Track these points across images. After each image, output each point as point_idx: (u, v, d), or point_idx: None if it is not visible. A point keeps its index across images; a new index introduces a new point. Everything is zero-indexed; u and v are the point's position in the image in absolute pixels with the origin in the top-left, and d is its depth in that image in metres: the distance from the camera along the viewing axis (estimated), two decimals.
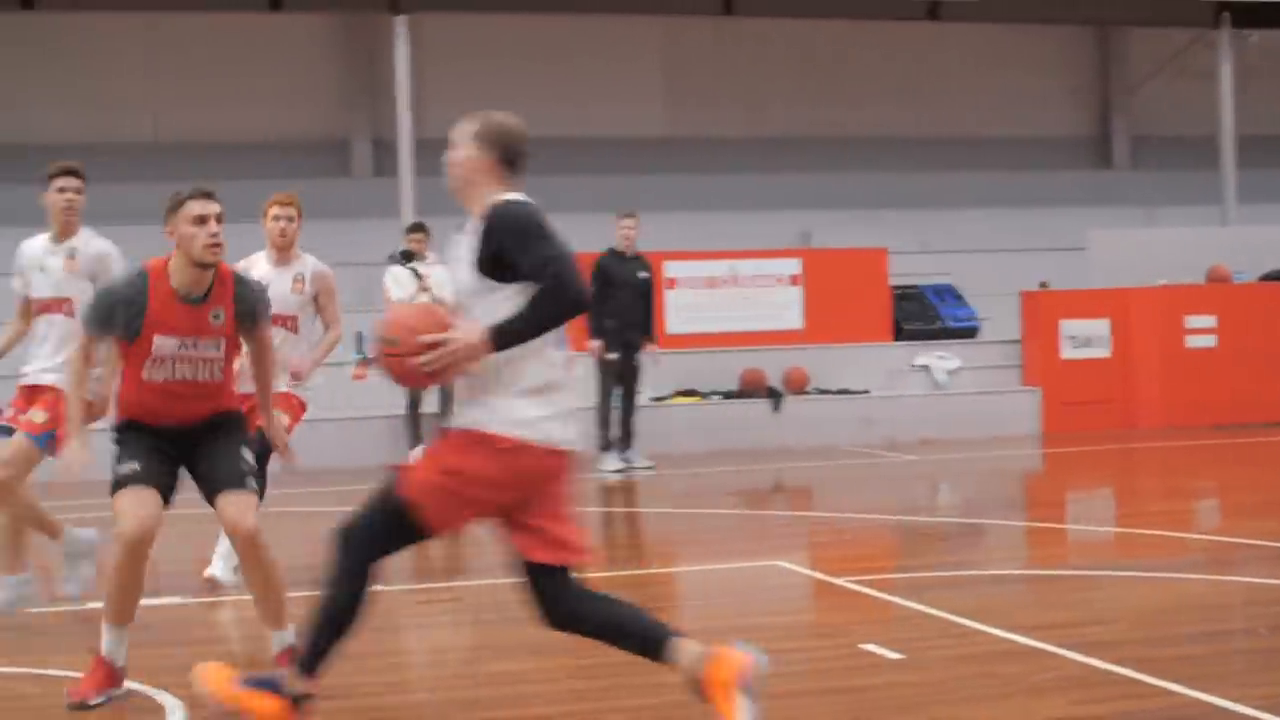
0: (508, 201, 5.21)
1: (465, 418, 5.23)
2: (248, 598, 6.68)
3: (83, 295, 7.76)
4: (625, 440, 16.04)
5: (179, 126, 22.53)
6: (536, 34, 23.63)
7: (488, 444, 5.14)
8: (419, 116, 20.65)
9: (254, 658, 6.88)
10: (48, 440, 7.76)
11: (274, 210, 9.16)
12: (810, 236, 22.27)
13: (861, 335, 19.45)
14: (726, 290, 19.25)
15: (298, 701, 5.32)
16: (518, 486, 5.19)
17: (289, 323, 8.99)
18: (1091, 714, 5.90)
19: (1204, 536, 10.91)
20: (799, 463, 16.69)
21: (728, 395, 18.70)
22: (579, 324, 16.13)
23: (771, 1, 23.83)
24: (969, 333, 20.11)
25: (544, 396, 5.21)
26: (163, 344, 6.26)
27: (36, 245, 8.14)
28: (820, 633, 7.85)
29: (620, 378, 15.93)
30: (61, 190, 8.01)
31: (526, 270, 5.04)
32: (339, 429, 16.48)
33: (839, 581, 9.00)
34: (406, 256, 16.14)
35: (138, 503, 6.13)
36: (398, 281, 16.00)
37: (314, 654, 5.30)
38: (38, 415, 7.82)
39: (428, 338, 5.04)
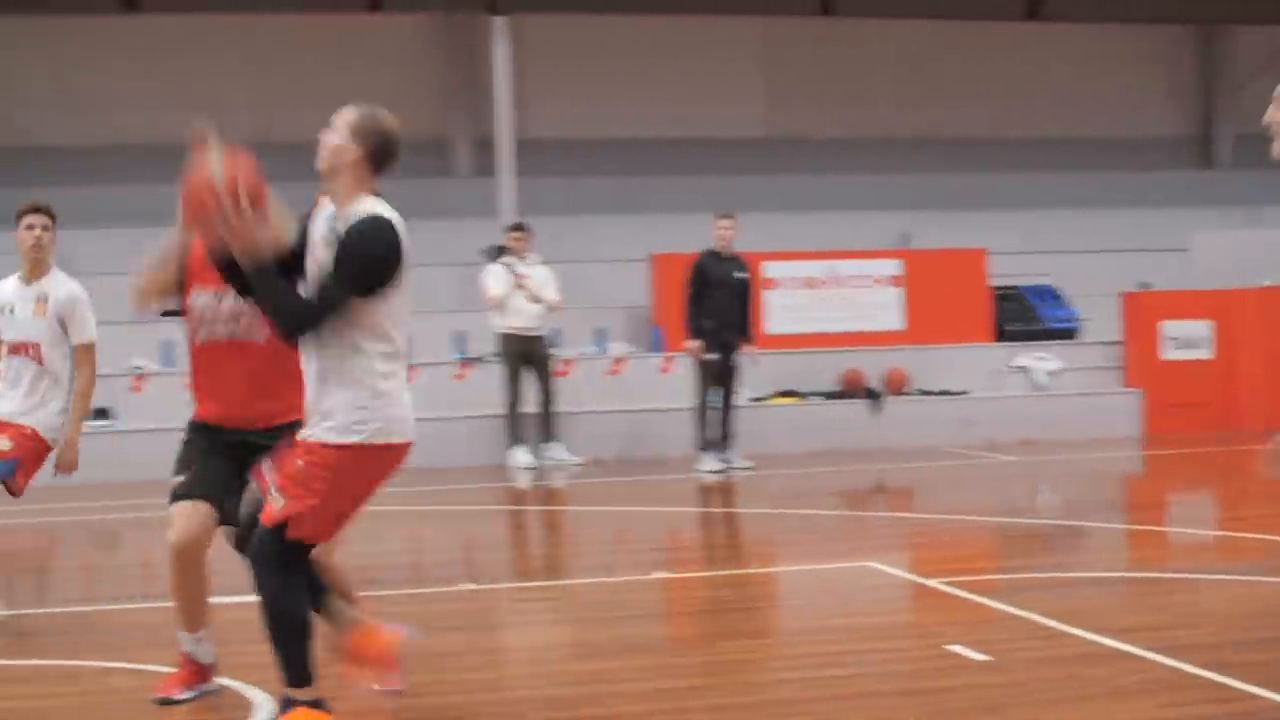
0: (375, 221, 5.33)
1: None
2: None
3: (49, 340, 7.86)
4: (724, 440, 16.05)
5: (283, 128, 22.78)
6: (636, 35, 23.77)
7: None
8: (519, 116, 20.85)
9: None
10: (6, 469, 7.80)
11: None
12: (910, 237, 22.21)
13: (961, 336, 19.40)
14: (826, 291, 19.27)
15: (318, 705, 5.49)
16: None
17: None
18: (1174, 717, 5.90)
19: None
20: (898, 464, 16.66)
21: (827, 396, 18.71)
22: (677, 324, 16.23)
23: (871, 1, 23.80)
24: (1069, 334, 20.00)
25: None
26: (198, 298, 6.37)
27: (8, 287, 8.06)
28: (907, 634, 7.87)
29: (719, 378, 15.93)
30: (30, 228, 7.89)
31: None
32: (438, 429, 16.60)
33: (931, 583, 9.01)
34: (499, 251, 16.31)
35: (182, 514, 6.23)
36: (495, 278, 16.21)
37: (298, 664, 5.47)
38: (2, 443, 7.84)
39: (237, 201, 5.21)
